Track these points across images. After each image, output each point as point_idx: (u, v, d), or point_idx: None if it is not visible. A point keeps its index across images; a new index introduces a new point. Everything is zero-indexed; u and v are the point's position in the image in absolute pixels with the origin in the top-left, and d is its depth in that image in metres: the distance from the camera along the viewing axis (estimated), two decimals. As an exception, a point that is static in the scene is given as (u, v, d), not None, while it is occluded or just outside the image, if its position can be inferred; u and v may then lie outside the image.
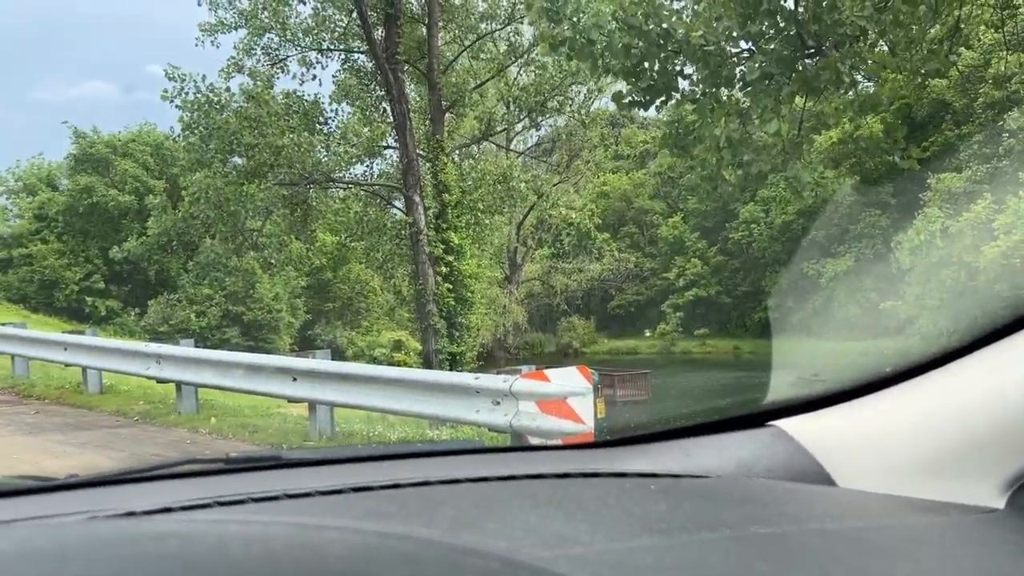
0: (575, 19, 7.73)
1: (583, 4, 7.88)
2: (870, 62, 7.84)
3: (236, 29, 23.65)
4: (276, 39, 23.89)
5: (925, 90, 30.93)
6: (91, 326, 20.57)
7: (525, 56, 25.07)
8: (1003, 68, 29.43)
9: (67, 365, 11.86)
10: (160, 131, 37.86)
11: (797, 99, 8.19)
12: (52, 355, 11.86)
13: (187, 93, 23.03)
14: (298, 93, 23.77)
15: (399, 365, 28.96)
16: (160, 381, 10.25)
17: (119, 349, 11.20)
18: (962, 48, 24.49)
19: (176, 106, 23.20)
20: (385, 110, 23.76)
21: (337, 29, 23.93)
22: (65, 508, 1.06)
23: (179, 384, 9.93)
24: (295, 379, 8.41)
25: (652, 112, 8.67)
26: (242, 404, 10.47)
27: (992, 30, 22.41)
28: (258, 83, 23.65)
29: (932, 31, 8.68)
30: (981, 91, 34.85)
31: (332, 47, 24.20)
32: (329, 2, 23.63)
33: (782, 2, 7.59)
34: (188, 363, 9.76)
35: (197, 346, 11.04)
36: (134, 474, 1.28)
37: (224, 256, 31.28)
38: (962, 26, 9.03)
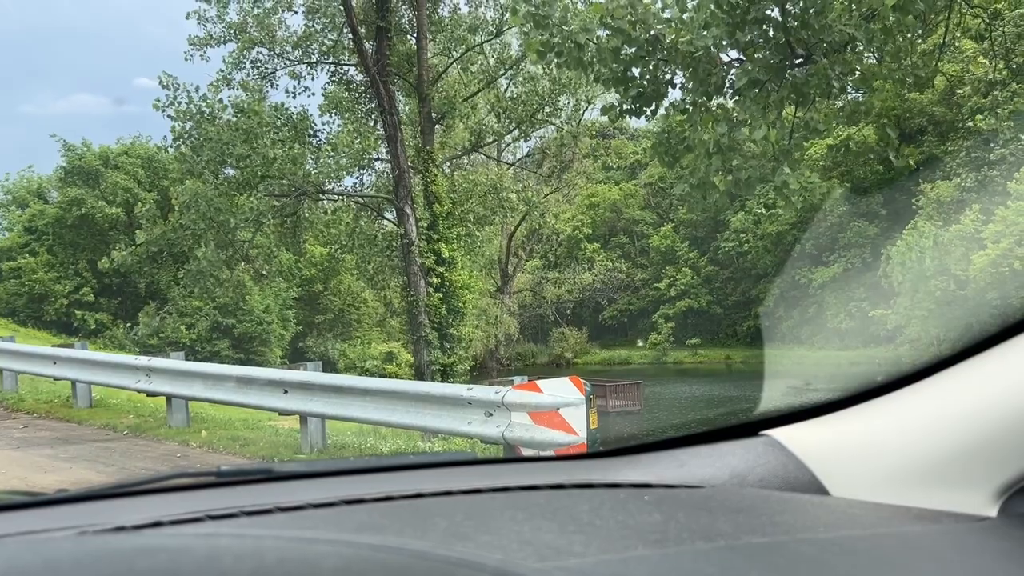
0: (562, 25, 7.72)
1: (571, 9, 7.88)
2: (858, 71, 7.87)
3: (225, 43, 23.69)
4: (266, 52, 23.93)
5: (908, 101, 31.19)
6: (80, 339, 20.48)
7: (514, 67, 25.17)
8: (992, 74, 29.74)
9: (56, 379, 11.78)
10: (152, 144, 37.84)
11: (787, 106, 8.21)
12: (41, 369, 11.78)
13: (180, 103, 23.04)
14: (286, 105, 23.81)
15: (391, 377, 28.91)
16: (150, 394, 10.20)
17: (109, 362, 11.13)
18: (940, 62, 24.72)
19: (168, 116, 23.20)
20: (376, 122, 23.80)
21: (327, 42, 23.98)
22: (54, 523, 1.05)
23: (169, 397, 9.88)
24: (286, 391, 8.39)
25: (642, 123, 8.72)
26: (233, 417, 10.43)
27: (974, 41, 22.61)
28: (248, 95, 23.67)
29: (921, 44, 8.73)
30: (962, 96, 35.09)
31: (322, 60, 24.24)
32: (320, 15, 23.69)
33: (768, 11, 7.63)
34: (178, 376, 9.72)
35: (187, 359, 10.99)
36: (124, 488, 1.26)
37: (215, 265, 31.22)
38: (945, 39, 9.10)
